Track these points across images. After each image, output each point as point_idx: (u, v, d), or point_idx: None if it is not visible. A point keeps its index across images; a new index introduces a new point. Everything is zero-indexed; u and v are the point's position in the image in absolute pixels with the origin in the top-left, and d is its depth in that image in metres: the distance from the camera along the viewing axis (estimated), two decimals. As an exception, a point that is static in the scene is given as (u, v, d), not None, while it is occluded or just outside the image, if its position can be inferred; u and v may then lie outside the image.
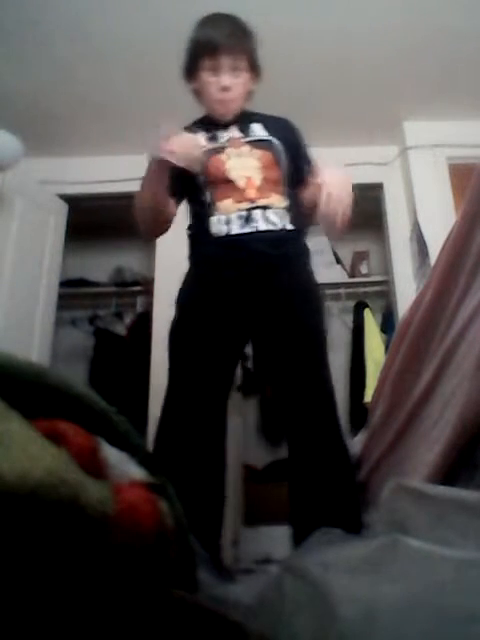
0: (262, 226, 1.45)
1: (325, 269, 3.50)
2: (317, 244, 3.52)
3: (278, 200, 1.49)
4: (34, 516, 0.30)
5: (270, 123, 1.58)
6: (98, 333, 3.54)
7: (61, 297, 3.00)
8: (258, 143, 1.53)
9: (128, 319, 3.62)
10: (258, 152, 1.51)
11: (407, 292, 2.84)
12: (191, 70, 1.55)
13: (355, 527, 1.22)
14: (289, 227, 1.49)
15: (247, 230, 1.45)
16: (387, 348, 2.60)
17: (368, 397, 2.82)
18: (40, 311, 2.74)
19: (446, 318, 1.08)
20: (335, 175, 1.42)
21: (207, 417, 1.41)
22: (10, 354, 0.40)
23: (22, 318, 2.63)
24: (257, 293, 1.47)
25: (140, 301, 3.54)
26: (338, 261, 3.57)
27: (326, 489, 1.35)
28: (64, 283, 3.19)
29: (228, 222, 1.46)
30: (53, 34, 2.44)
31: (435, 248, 2.26)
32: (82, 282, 3.62)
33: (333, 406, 1.44)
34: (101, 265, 3.70)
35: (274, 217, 1.47)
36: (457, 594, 0.48)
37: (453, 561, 0.52)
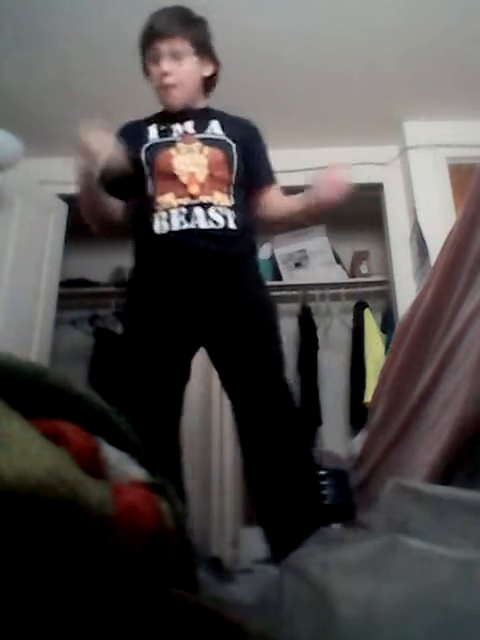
0: (203, 224, 1.42)
1: (325, 269, 3.51)
2: (317, 244, 3.53)
3: (222, 199, 1.46)
4: (34, 516, 0.30)
5: (228, 122, 1.55)
6: (98, 333, 3.54)
7: (61, 297, 3.00)
8: (210, 141, 1.50)
9: (128, 319, 3.61)
10: (208, 149, 1.48)
11: (407, 292, 2.84)
12: (143, 66, 1.56)
13: (315, 524, 1.17)
14: (232, 226, 1.45)
15: (187, 227, 1.41)
16: (387, 348, 2.60)
17: (368, 397, 2.82)
18: (40, 311, 2.74)
19: (446, 318, 1.08)
20: (328, 177, 1.47)
21: (159, 430, 1.38)
22: (10, 354, 0.40)
23: (22, 318, 2.62)
24: (203, 301, 1.43)
25: (140, 301, 3.53)
26: (338, 261, 3.57)
27: (289, 494, 1.33)
28: (64, 283, 3.19)
29: (169, 218, 1.43)
30: (53, 34, 2.44)
31: (435, 248, 2.26)
32: (82, 282, 3.62)
33: (290, 413, 1.41)
34: (101, 265, 3.70)
35: (216, 215, 1.44)
36: (457, 594, 0.48)
37: (453, 561, 0.52)
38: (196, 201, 1.43)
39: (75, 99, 2.80)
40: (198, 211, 1.43)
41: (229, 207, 1.46)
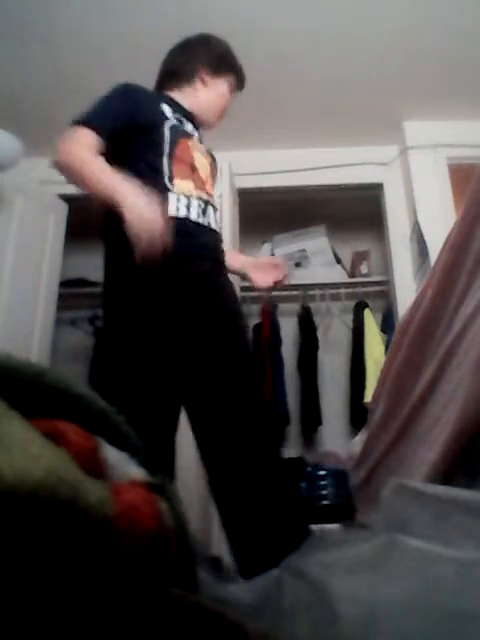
0: (213, 224, 1.45)
1: (325, 269, 3.51)
2: (317, 244, 3.53)
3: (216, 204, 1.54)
4: (34, 516, 0.30)
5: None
6: (98, 333, 3.54)
7: (61, 297, 3.00)
8: (209, 151, 1.58)
9: (128, 319, 3.61)
10: (209, 157, 1.57)
11: (407, 292, 2.84)
12: (218, 70, 1.59)
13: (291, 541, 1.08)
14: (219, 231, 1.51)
15: (202, 221, 1.41)
16: (387, 348, 2.60)
17: (368, 397, 2.82)
18: (40, 311, 2.74)
19: (446, 318, 1.08)
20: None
21: (156, 430, 1.28)
22: (9, 354, 0.40)
23: (22, 318, 2.62)
24: (204, 300, 1.36)
25: (140, 301, 3.53)
26: (338, 261, 3.57)
27: (252, 507, 1.24)
28: (64, 283, 3.19)
29: (188, 205, 1.38)
30: (53, 34, 2.44)
31: (435, 248, 2.26)
32: (82, 282, 3.62)
33: (249, 417, 1.31)
34: (101, 265, 3.69)
35: (217, 219, 1.49)
36: (457, 594, 0.48)
37: (453, 561, 0.52)
38: (210, 200, 1.47)
39: (75, 99, 2.80)
40: (210, 210, 1.45)
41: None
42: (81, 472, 0.35)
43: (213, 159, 1.60)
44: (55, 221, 2.95)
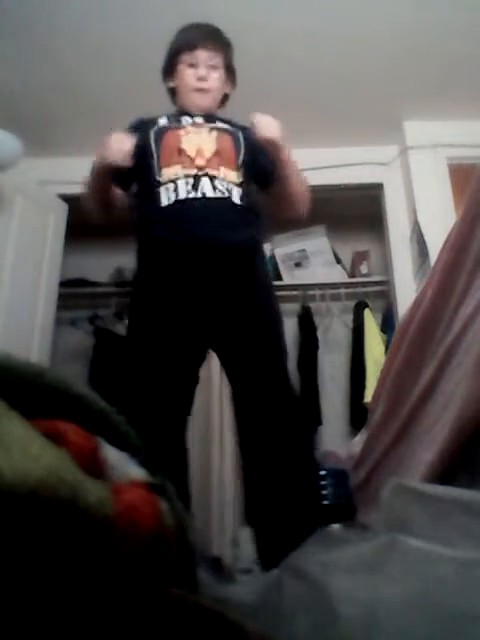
0: (209, 193, 1.44)
1: (325, 269, 3.51)
2: (317, 244, 3.53)
3: (228, 174, 1.50)
4: (34, 516, 0.30)
5: (236, 123, 1.63)
6: (98, 333, 3.54)
7: (61, 297, 3.00)
8: (219, 129, 1.57)
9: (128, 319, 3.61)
10: (216, 133, 1.55)
11: (407, 292, 2.84)
12: (170, 68, 1.64)
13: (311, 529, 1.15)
14: (236, 201, 1.47)
15: (193, 195, 1.44)
16: (387, 348, 2.60)
17: (368, 397, 2.82)
18: (40, 311, 2.74)
19: (446, 318, 1.08)
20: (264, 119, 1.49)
21: (167, 434, 1.37)
22: (9, 354, 0.40)
23: (22, 318, 2.62)
24: (211, 284, 1.42)
25: (140, 301, 3.53)
26: (338, 261, 3.57)
27: (290, 494, 1.31)
28: (64, 283, 3.19)
29: (176, 188, 1.45)
30: (53, 34, 2.44)
31: (435, 248, 2.26)
32: (82, 282, 3.62)
33: (294, 411, 1.41)
34: (101, 265, 3.70)
35: (221, 186, 1.46)
36: (457, 594, 0.48)
37: (453, 561, 0.52)
38: (203, 172, 1.47)
39: (75, 99, 2.81)
40: (205, 180, 1.46)
41: (236, 184, 1.49)
42: (81, 472, 0.35)
43: (229, 133, 1.57)
44: (55, 221, 2.95)
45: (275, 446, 1.35)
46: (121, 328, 3.60)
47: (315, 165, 3.14)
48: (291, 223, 3.48)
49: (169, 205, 1.44)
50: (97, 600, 0.34)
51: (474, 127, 2.96)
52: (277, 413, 1.37)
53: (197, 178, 1.45)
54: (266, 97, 2.73)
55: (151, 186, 1.49)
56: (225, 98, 1.70)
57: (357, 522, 1.45)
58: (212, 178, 1.46)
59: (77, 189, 3.23)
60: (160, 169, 1.49)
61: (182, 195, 1.44)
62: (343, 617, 0.50)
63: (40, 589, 0.32)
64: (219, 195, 1.45)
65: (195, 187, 1.44)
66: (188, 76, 1.59)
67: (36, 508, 0.30)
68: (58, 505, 0.31)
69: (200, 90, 1.58)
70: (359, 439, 1.71)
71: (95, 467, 0.38)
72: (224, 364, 1.50)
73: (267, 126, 1.47)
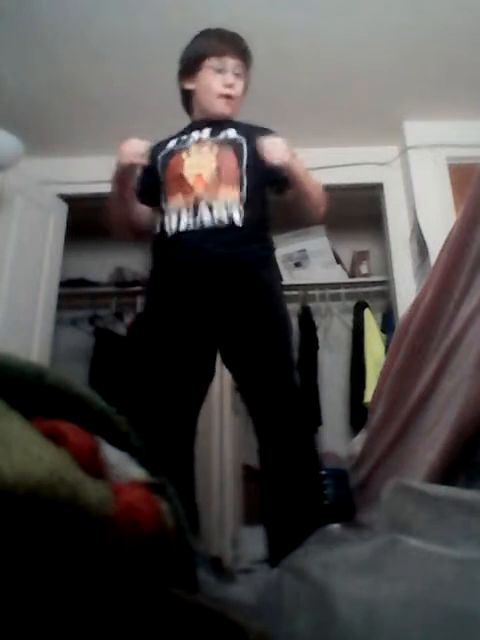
0: (208, 223, 1.47)
1: (325, 269, 3.51)
2: (317, 244, 3.53)
3: (229, 194, 1.50)
4: (34, 516, 0.30)
5: (243, 127, 1.62)
6: (98, 333, 3.54)
7: (61, 297, 3.00)
8: (223, 141, 1.57)
9: (128, 319, 3.61)
10: (218, 148, 1.55)
11: (407, 292, 2.84)
12: (192, 70, 1.62)
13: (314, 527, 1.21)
14: (237, 223, 1.48)
15: (192, 228, 1.48)
16: (387, 348, 2.60)
17: (368, 397, 2.82)
18: (40, 311, 2.74)
19: (446, 318, 1.08)
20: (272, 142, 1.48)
21: (176, 442, 1.44)
22: (10, 354, 0.40)
23: (22, 318, 2.62)
24: (214, 304, 1.47)
25: (140, 301, 3.53)
26: (338, 261, 3.57)
27: (294, 493, 1.37)
28: (64, 283, 3.19)
29: (178, 219, 1.51)
30: (53, 34, 2.44)
31: (435, 248, 2.26)
32: (82, 282, 3.62)
33: (300, 421, 1.45)
34: (101, 265, 3.70)
35: (221, 213, 1.48)
36: (457, 594, 0.48)
37: (453, 561, 0.52)
38: (202, 200, 1.49)
39: (75, 99, 2.81)
40: (204, 210, 1.48)
41: (238, 201, 1.50)
42: (81, 472, 0.35)
43: (233, 145, 1.56)
44: (55, 221, 2.95)
45: (283, 452, 1.40)
46: (121, 328, 3.61)
47: (315, 165, 3.13)
48: (291, 223, 3.49)
49: (172, 235, 1.51)
50: (97, 599, 0.34)
51: (474, 127, 2.96)
52: (282, 423, 1.42)
53: (197, 207, 1.49)
54: (266, 97, 2.74)
55: (162, 212, 1.58)
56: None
57: (357, 522, 1.45)
58: (211, 205, 1.49)
59: (77, 189, 3.23)
60: (167, 198, 1.56)
61: (183, 226, 1.50)
62: (343, 617, 0.50)
63: (41, 588, 0.32)
64: (217, 224, 1.48)
65: (195, 215, 1.49)
66: (215, 81, 1.59)
67: (37, 508, 0.30)
68: (58, 505, 0.31)
69: (226, 96, 1.59)
70: (359, 439, 1.71)
71: (95, 467, 0.38)
72: (235, 378, 1.56)
73: (273, 152, 1.45)
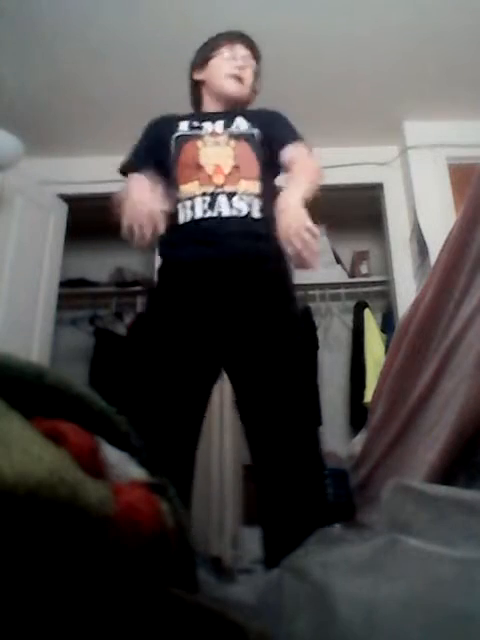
0: (226, 212, 1.43)
1: (325, 269, 3.50)
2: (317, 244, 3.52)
3: (248, 186, 1.47)
4: (34, 516, 0.30)
5: (250, 114, 1.61)
6: (98, 333, 3.54)
7: (61, 297, 3.00)
8: (237, 135, 1.54)
9: (128, 319, 3.62)
10: (235, 142, 1.52)
11: (407, 292, 2.85)
12: (204, 59, 1.64)
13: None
14: (256, 215, 1.45)
15: (209, 215, 1.43)
16: (387, 348, 2.60)
17: (368, 397, 2.82)
18: (40, 311, 2.74)
19: (446, 318, 1.08)
20: (291, 206, 1.30)
21: (178, 445, 1.37)
22: (10, 354, 0.40)
23: (22, 318, 2.63)
24: (233, 296, 1.42)
25: (140, 301, 3.53)
26: (338, 261, 3.57)
27: (301, 497, 1.31)
28: (64, 283, 3.19)
29: (192, 207, 1.45)
30: (53, 34, 2.44)
31: (435, 248, 2.26)
32: (82, 282, 3.62)
33: (307, 420, 1.41)
34: (101, 265, 3.71)
35: (240, 203, 1.44)
36: (457, 594, 0.48)
37: (453, 561, 0.52)
38: (220, 190, 1.45)
39: (75, 99, 2.81)
40: (222, 199, 1.44)
41: (256, 195, 1.47)
42: (81, 472, 0.35)
43: (247, 139, 1.53)
44: (55, 221, 2.95)
45: (289, 455, 1.34)
46: (121, 328, 3.61)
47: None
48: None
49: (185, 223, 1.45)
50: (98, 599, 0.34)
51: (474, 127, 2.96)
52: (290, 422, 1.36)
53: (214, 196, 1.44)
54: (266, 97, 2.74)
55: (172, 196, 1.47)
56: (250, 97, 1.71)
57: (357, 522, 1.45)
58: (230, 195, 1.45)
59: (77, 189, 3.23)
60: (179, 185, 1.49)
61: (198, 214, 1.44)
62: (343, 617, 0.50)
63: (41, 588, 0.32)
64: (235, 214, 1.43)
65: (212, 205, 1.44)
66: (226, 63, 1.61)
67: (37, 508, 0.30)
68: (58, 505, 0.31)
69: (236, 77, 1.60)
70: (359, 439, 1.71)
71: (95, 467, 0.38)
72: (232, 379, 1.47)
73: (293, 237, 1.24)
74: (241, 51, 1.62)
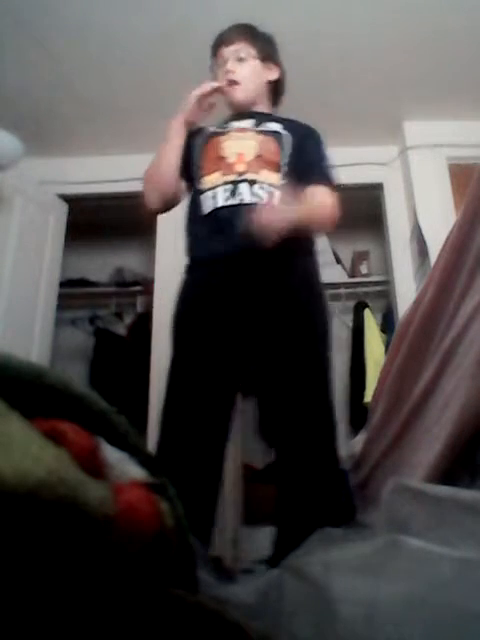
0: (247, 199, 1.42)
1: (325, 269, 3.49)
2: (317, 244, 3.52)
3: (269, 176, 1.46)
4: (34, 516, 0.30)
5: (287, 122, 1.60)
6: (98, 333, 3.54)
7: (61, 297, 3.00)
8: (265, 132, 1.54)
9: (128, 319, 3.62)
10: (261, 137, 1.53)
11: (407, 292, 2.84)
12: (213, 74, 1.65)
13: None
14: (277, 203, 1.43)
15: (231, 202, 1.43)
16: (387, 348, 2.60)
17: (368, 397, 2.82)
18: (40, 311, 2.74)
19: (446, 318, 1.08)
20: (283, 209, 1.34)
21: (209, 432, 1.36)
22: (10, 354, 0.40)
23: (22, 318, 2.63)
24: (254, 292, 1.40)
25: (140, 301, 3.54)
26: (338, 261, 3.57)
27: (313, 498, 1.31)
28: (64, 283, 3.19)
29: (214, 196, 1.46)
30: (53, 34, 2.44)
31: (435, 248, 2.26)
32: (82, 282, 3.62)
33: (330, 425, 1.39)
34: (101, 265, 3.71)
35: (260, 191, 1.44)
36: (457, 594, 0.48)
37: (453, 561, 0.52)
38: (242, 178, 1.45)
39: (75, 99, 2.81)
40: (243, 187, 1.44)
41: (277, 186, 1.46)
42: (81, 472, 0.35)
43: (275, 136, 1.53)
44: (55, 221, 2.95)
45: (308, 458, 1.34)
46: (121, 328, 3.61)
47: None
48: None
49: (209, 213, 1.46)
50: (98, 599, 0.34)
51: (474, 127, 2.96)
52: (305, 429, 1.35)
53: (236, 184, 1.44)
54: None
55: (195, 193, 1.52)
56: (276, 88, 1.70)
57: (357, 522, 1.45)
58: (252, 182, 1.44)
59: (77, 189, 3.24)
60: (202, 177, 1.50)
61: (220, 203, 1.45)
62: (343, 617, 0.50)
63: (41, 589, 0.32)
64: (257, 200, 1.42)
65: (233, 193, 1.44)
66: (220, 72, 1.61)
67: (37, 508, 0.30)
68: (58, 505, 0.31)
69: (229, 83, 1.59)
70: (359, 439, 1.71)
71: (95, 467, 0.38)
72: (257, 379, 1.46)
73: (266, 235, 1.28)
74: (226, 52, 1.60)
